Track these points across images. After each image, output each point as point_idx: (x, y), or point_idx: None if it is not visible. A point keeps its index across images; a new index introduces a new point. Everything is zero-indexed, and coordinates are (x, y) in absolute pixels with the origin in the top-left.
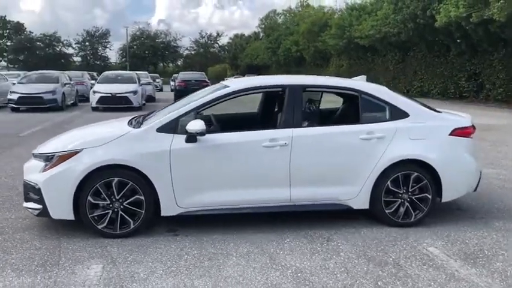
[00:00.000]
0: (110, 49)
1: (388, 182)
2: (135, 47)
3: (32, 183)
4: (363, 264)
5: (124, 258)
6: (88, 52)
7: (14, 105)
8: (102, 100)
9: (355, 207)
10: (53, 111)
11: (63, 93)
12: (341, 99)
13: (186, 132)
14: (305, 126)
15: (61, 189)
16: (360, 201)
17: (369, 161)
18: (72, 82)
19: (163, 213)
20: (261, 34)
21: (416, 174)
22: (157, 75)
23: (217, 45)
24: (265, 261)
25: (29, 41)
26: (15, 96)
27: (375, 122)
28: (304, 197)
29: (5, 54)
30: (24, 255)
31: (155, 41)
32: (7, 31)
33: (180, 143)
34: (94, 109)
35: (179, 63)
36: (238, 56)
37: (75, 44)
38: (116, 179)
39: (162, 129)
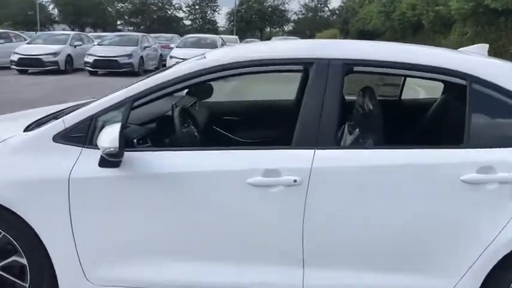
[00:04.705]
0: (219, 13)
1: None
2: (242, 10)
3: None
4: None
5: None
6: (197, 16)
7: (91, 69)
8: None
9: None
10: (129, 76)
11: (141, 57)
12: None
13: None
14: (345, 147)
15: None
16: None
17: (478, 230)
18: (155, 45)
19: None
20: None
21: None
22: (257, 40)
23: (327, 9)
24: None
25: (144, 4)
26: (91, 59)
27: (498, 146)
28: None
29: (126, 17)
30: None
31: (263, 4)
32: None
33: (90, 167)
34: None
35: (286, 28)
36: (350, 20)
37: (185, 7)
38: None
39: (64, 136)
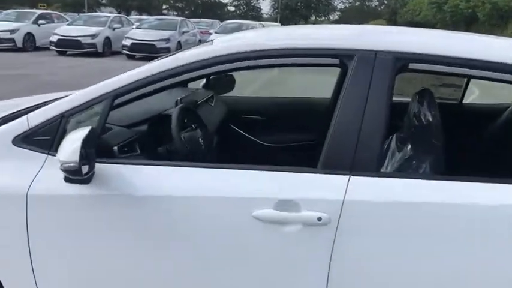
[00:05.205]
0: (263, 0)
1: None
2: None
3: None
4: None
5: None
6: (241, 2)
7: (128, 52)
8: None
9: None
10: None
11: (179, 42)
12: None
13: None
14: (393, 174)
15: None
16: None
17: None
18: (194, 30)
19: None
20: None
21: None
22: None
23: None
24: None
25: None
26: (128, 43)
27: None
28: None
29: (171, 1)
30: None
31: None
32: None
33: (55, 181)
34: None
35: (331, 17)
36: (398, 11)
37: None
38: None
39: (26, 139)
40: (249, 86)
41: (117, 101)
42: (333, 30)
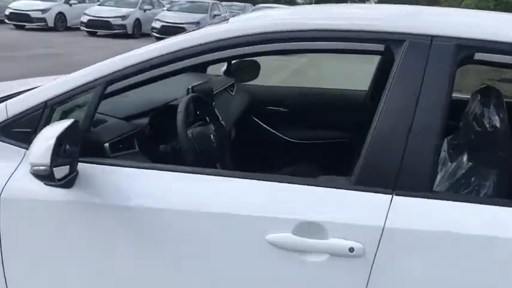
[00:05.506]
0: None
1: None
2: None
3: None
4: None
5: None
6: None
7: (157, 35)
8: None
9: None
10: None
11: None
12: None
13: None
14: (447, 195)
15: None
16: None
17: None
18: (226, 14)
19: None
20: None
21: None
22: None
23: None
24: None
25: None
26: (158, 25)
27: None
28: None
29: None
30: None
31: None
32: None
33: (34, 181)
34: None
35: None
36: (438, 0)
37: None
38: None
39: (4, 130)
40: (274, 74)
41: (114, 88)
42: (378, 9)
